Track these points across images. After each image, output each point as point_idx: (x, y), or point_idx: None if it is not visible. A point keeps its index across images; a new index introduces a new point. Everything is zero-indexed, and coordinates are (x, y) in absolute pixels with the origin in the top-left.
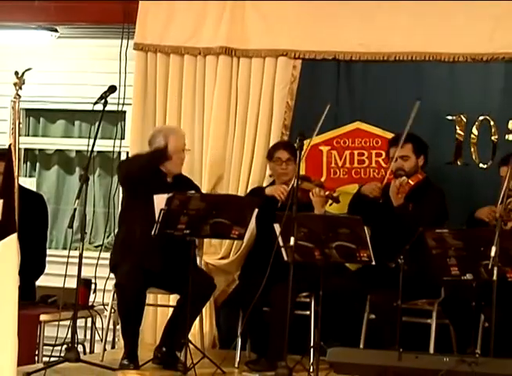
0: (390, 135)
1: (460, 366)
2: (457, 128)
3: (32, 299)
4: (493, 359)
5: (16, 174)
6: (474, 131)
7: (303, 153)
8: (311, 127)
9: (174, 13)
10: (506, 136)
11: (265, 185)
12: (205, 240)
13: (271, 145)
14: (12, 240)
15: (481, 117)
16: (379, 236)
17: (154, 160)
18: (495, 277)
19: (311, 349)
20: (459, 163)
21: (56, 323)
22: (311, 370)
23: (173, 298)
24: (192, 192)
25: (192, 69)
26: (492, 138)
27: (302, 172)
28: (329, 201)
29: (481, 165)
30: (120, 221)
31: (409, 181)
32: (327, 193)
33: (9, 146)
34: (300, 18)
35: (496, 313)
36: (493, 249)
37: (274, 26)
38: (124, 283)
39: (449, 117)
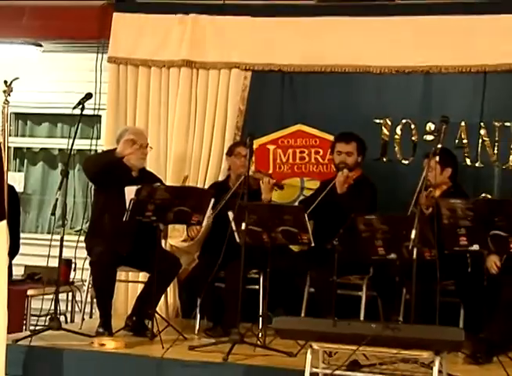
0: (327, 136)
1: (385, 332)
2: (383, 129)
3: (9, 276)
4: (413, 326)
5: (5, 169)
6: (398, 132)
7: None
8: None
9: (143, 31)
10: (424, 136)
11: (220, 178)
12: (169, 225)
13: (226, 143)
14: (2, 226)
15: (403, 121)
16: (318, 223)
17: (106, 165)
18: (414, 256)
19: (260, 318)
20: (384, 159)
21: (41, 296)
22: (259, 335)
23: (142, 276)
24: (158, 184)
25: (158, 79)
26: (413, 138)
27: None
28: (276, 188)
29: (403, 161)
30: (92, 209)
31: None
32: (274, 181)
33: None
34: (250, 35)
35: (416, 287)
36: (413, 232)
37: (228, 42)
38: (97, 262)
39: (377, 121)
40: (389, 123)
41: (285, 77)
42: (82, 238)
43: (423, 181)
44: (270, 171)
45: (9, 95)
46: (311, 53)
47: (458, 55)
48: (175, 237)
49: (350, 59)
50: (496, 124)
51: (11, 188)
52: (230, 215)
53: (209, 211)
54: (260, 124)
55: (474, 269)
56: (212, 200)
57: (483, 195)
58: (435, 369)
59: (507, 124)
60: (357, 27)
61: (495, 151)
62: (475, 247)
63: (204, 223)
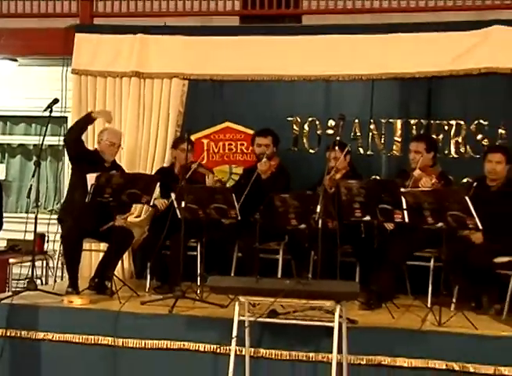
0: (250, 131)
1: (297, 286)
2: (294, 126)
3: None
4: (319, 281)
5: None
6: (306, 128)
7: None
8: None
9: (99, 48)
10: (327, 131)
11: (165, 165)
12: None
13: (169, 138)
14: None
15: (309, 118)
16: (244, 200)
17: (81, 123)
18: (320, 226)
19: (198, 278)
20: (296, 149)
21: (20, 264)
22: (198, 292)
23: (103, 246)
24: (114, 171)
25: (113, 86)
26: (318, 132)
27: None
28: (218, 183)
29: (310, 151)
30: (67, 192)
31: (271, 163)
32: (217, 178)
33: None
34: (187, 51)
35: (321, 250)
36: (319, 207)
37: (169, 56)
38: (66, 236)
39: (289, 119)
40: (298, 120)
41: (215, 84)
42: (54, 216)
43: (328, 168)
44: (205, 160)
45: None
46: (235, 65)
47: (351, 66)
48: (129, 214)
49: (267, 70)
50: (382, 120)
51: None
52: (172, 195)
53: (157, 190)
54: (196, 122)
55: (366, 235)
56: (158, 184)
57: (373, 177)
58: (337, 314)
59: (391, 120)
60: (272, 43)
61: (382, 142)
62: (367, 217)
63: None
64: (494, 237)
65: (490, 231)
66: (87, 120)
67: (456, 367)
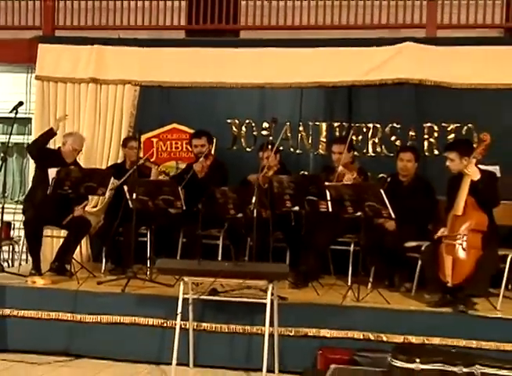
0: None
1: (235, 268)
2: (233, 127)
3: None
4: (254, 263)
5: None
6: (243, 129)
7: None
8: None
9: (60, 57)
10: (262, 132)
11: (119, 162)
12: None
13: (122, 138)
14: None
15: (247, 121)
16: (187, 193)
17: (44, 137)
18: (255, 215)
19: (148, 260)
20: (234, 148)
21: None
22: (147, 273)
23: (63, 232)
24: (72, 166)
25: (72, 92)
26: (254, 133)
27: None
28: (163, 175)
29: (247, 149)
30: (31, 185)
31: (207, 162)
32: (162, 170)
33: None
34: (138, 60)
35: (256, 236)
36: (254, 198)
37: (122, 65)
38: (27, 223)
39: (228, 121)
40: (237, 122)
41: (163, 90)
42: (19, 206)
43: (261, 166)
44: (154, 157)
45: None
46: (182, 73)
47: (283, 75)
48: (85, 204)
49: (209, 77)
50: (310, 123)
51: None
52: (125, 188)
53: (111, 185)
54: (146, 123)
55: (295, 223)
56: (112, 178)
57: (301, 172)
58: (269, 292)
59: (317, 123)
60: (213, 55)
61: (310, 142)
62: (296, 208)
63: (107, 194)
64: (405, 225)
65: (401, 219)
66: (49, 134)
67: (372, 337)
